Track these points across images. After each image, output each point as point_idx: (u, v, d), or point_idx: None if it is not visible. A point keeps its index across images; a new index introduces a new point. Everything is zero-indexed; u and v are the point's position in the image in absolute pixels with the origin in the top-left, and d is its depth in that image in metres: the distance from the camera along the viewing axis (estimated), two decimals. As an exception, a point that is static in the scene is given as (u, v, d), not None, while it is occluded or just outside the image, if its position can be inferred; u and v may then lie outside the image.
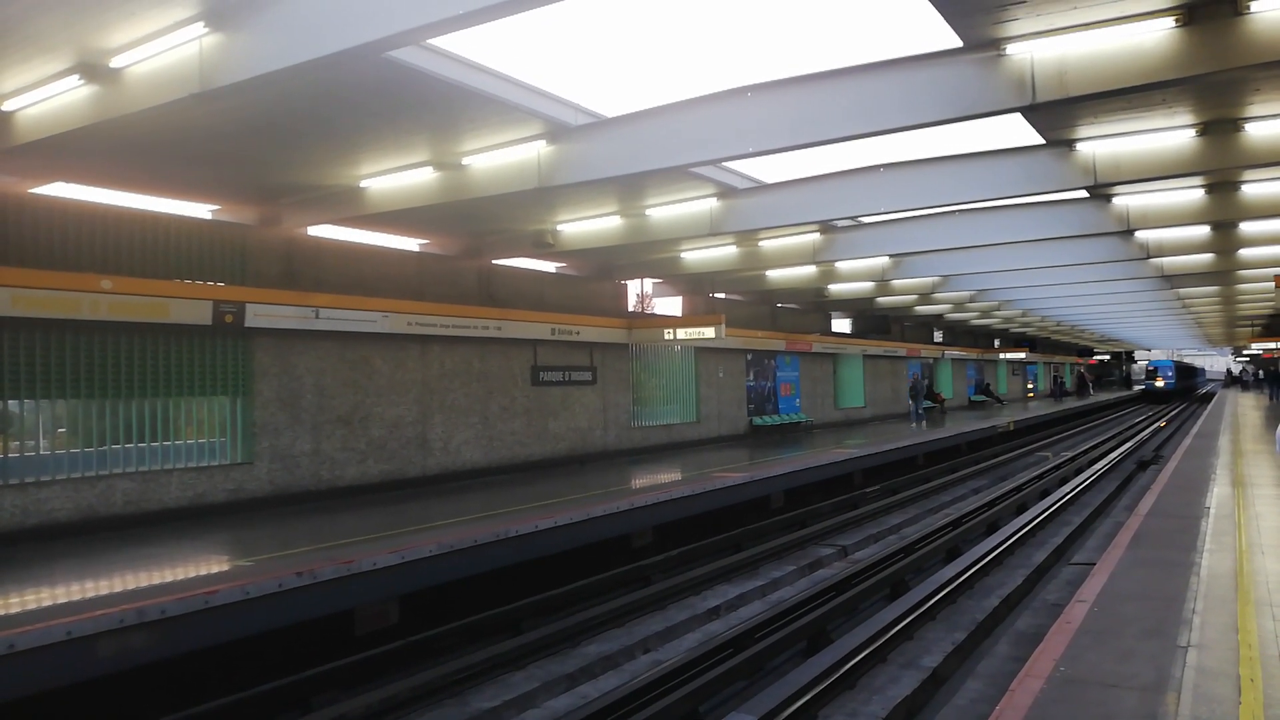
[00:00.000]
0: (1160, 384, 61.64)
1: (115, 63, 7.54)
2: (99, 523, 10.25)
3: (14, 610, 6.59)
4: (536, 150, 10.02)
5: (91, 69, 7.58)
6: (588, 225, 14.40)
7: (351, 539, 9.16)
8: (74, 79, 7.75)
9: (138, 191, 11.59)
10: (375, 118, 9.25)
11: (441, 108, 9.00)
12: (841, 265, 19.35)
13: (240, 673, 7.24)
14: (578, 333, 17.53)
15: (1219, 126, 9.69)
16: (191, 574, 7.98)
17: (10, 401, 10.02)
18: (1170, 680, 4.78)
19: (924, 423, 27.01)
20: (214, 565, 8.44)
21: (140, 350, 10.96)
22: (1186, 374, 75.89)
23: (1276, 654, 5.14)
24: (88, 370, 10.46)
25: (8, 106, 8.42)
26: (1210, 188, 12.83)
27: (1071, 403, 44.22)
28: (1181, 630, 5.63)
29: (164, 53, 7.33)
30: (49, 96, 8.14)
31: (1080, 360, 63.81)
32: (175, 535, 9.94)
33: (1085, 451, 25.06)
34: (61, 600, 6.97)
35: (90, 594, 7.18)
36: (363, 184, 11.48)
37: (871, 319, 30.75)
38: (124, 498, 10.61)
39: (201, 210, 12.59)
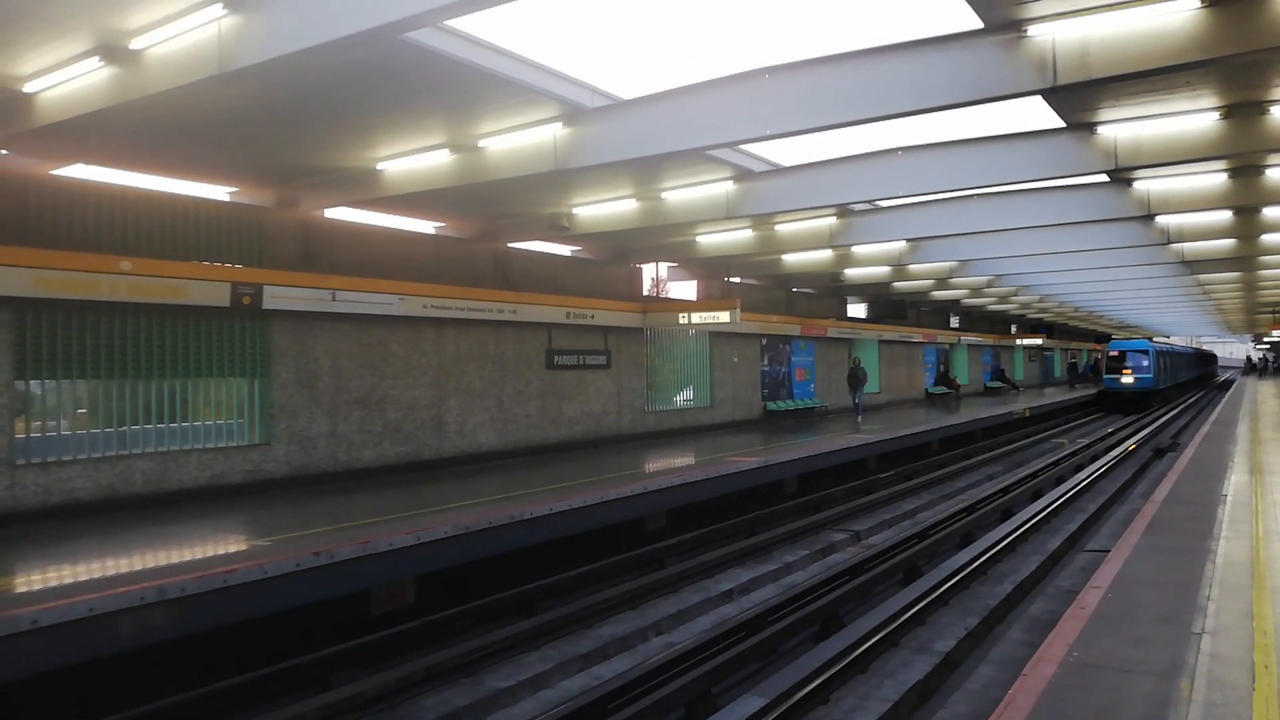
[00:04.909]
0: (1129, 381, 36.97)
1: (135, 44, 7.57)
2: (119, 502, 10.39)
3: (37, 587, 6.71)
4: (553, 133, 9.99)
5: (111, 51, 7.62)
6: (603, 208, 14.37)
7: (368, 520, 9.25)
8: (94, 61, 7.78)
9: (157, 173, 11.65)
10: (392, 100, 9.25)
11: (458, 90, 8.98)
12: (858, 249, 19.24)
13: (260, 651, 7.33)
14: (592, 316, 17.54)
15: (1243, 109, 9.55)
16: (210, 553, 8.08)
17: (32, 382, 10.15)
18: (1184, 666, 4.77)
19: (861, 418, 22.84)
20: (232, 545, 8.54)
21: (159, 331, 11.05)
22: (1183, 364, 50.99)
23: (1293, 641, 5.12)
24: (107, 351, 10.56)
25: (29, 88, 8.48)
26: (1233, 172, 12.65)
27: (1086, 389, 43.86)
28: (1196, 617, 5.61)
29: (183, 34, 7.35)
30: (70, 78, 8.19)
31: (1098, 347, 63.09)
32: (194, 515, 10.06)
33: (1101, 439, 24.90)
34: (84, 578, 7.09)
35: (111, 572, 7.29)
36: (379, 166, 11.50)
37: (887, 304, 30.56)
38: (143, 478, 10.74)
39: (220, 192, 12.65)
